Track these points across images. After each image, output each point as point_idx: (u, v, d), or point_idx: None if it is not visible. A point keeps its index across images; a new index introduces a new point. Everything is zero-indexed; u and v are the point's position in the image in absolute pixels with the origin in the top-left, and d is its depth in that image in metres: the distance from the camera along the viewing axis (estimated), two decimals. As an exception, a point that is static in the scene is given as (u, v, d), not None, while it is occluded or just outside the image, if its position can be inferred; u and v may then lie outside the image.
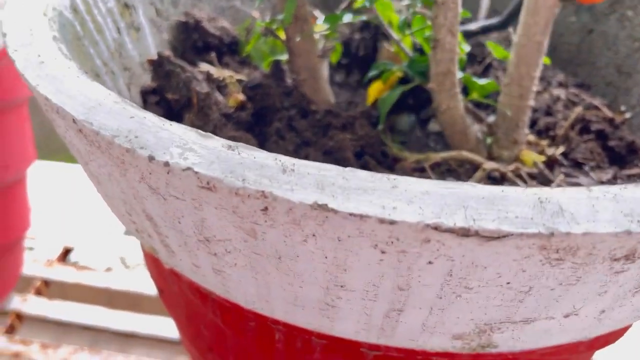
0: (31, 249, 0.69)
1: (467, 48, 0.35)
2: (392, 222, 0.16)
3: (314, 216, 0.16)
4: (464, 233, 0.16)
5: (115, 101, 0.20)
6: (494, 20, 0.43)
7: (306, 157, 0.35)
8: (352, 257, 0.18)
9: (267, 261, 0.20)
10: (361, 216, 0.16)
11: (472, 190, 0.17)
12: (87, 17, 0.32)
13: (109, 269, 0.69)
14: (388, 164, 0.35)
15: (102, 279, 0.64)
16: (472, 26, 0.44)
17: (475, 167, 0.33)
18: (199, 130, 0.19)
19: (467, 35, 0.43)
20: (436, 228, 0.16)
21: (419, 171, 0.32)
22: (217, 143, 0.18)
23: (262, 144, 0.36)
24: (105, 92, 0.21)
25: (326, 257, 0.18)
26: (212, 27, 0.44)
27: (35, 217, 0.72)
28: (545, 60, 0.34)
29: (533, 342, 0.22)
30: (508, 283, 0.18)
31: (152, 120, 0.19)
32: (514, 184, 0.32)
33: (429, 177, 0.31)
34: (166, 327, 0.61)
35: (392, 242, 0.17)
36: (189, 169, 0.17)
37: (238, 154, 0.18)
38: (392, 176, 0.17)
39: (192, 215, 0.19)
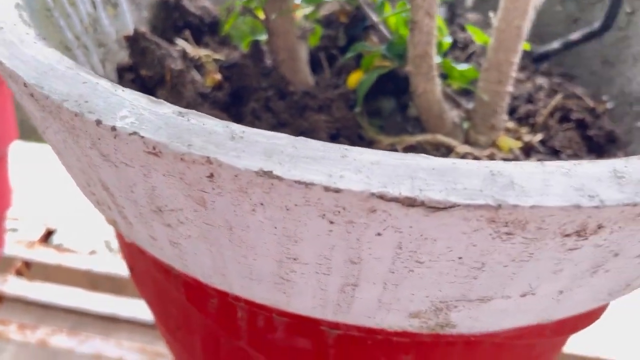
0: (14, 230, 0.69)
1: (449, 38, 0.35)
2: (337, 190, 0.16)
3: (260, 183, 0.16)
4: (410, 203, 0.15)
5: (69, 66, 0.20)
6: (594, 27, 0.39)
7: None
8: (301, 227, 0.17)
9: (219, 232, 0.19)
10: (306, 184, 0.16)
11: (424, 161, 0.16)
12: (60, -11, 0.32)
13: (92, 252, 0.68)
14: (362, 147, 0.34)
15: (85, 262, 0.64)
16: (574, 36, 0.40)
17: (450, 150, 0.33)
18: (151, 97, 0.18)
19: (570, 45, 0.40)
20: (381, 197, 0.15)
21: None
22: (167, 109, 0.18)
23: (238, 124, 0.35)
24: (60, 57, 0.20)
25: (276, 228, 0.18)
26: (192, 6, 0.43)
27: (18, 198, 0.71)
28: (525, 45, 0.34)
29: (493, 323, 0.22)
30: (460, 258, 0.18)
31: (104, 86, 0.19)
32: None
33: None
34: (148, 311, 0.61)
35: (339, 212, 0.16)
36: (135, 133, 0.17)
37: (187, 120, 0.17)
38: (344, 146, 0.17)
39: (143, 183, 0.19)
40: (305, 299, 0.21)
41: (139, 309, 0.62)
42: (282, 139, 0.17)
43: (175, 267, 0.24)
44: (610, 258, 0.18)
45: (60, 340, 0.55)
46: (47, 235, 0.68)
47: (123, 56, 0.38)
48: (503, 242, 0.17)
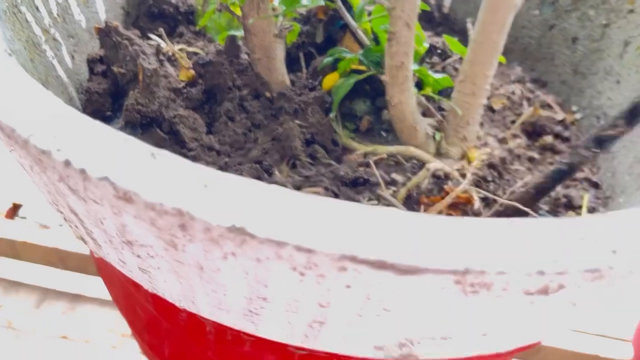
0: (-23, 203, 0.67)
1: (426, 44, 0.35)
2: (309, 251, 0.16)
3: (232, 237, 0.16)
4: (380, 266, 0.16)
5: (38, 92, 0.19)
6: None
7: (255, 141, 0.34)
8: (272, 275, 0.17)
9: (189, 269, 0.19)
10: (278, 242, 0.16)
11: (393, 219, 0.17)
12: (27, -20, 0.31)
13: (60, 226, 0.67)
14: (337, 154, 0.34)
15: (53, 239, 0.63)
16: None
17: (422, 163, 0.33)
18: (122, 134, 0.18)
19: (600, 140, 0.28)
20: (352, 259, 0.16)
21: (365, 166, 0.32)
22: (139, 149, 0.18)
23: (211, 124, 0.35)
24: (27, 80, 0.20)
25: (247, 273, 0.18)
26: (167, -7, 0.42)
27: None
28: (500, 59, 0.34)
29: (452, 353, 0.23)
30: (426, 308, 0.18)
31: (74, 119, 0.18)
32: (457, 183, 0.32)
33: (372, 173, 0.31)
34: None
35: (310, 267, 0.16)
36: (105, 178, 0.17)
37: (159, 164, 0.17)
38: (315, 197, 0.17)
39: (113, 219, 0.19)
40: (273, 329, 0.22)
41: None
42: (254, 187, 0.17)
43: (144, 286, 0.24)
44: (569, 307, 0.19)
45: (26, 320, 0.55)
46: (14, 210, 0.67)
47: (93, 46, 0.37)
48: (468, 297, 0.17)
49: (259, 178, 0.30)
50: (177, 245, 0.18)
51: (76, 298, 0.63)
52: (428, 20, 0.52)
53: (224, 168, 0.31)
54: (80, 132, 0.18)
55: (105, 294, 0.62)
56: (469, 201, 0.31)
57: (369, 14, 0.37)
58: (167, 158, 0.17)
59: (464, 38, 0.39)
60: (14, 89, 0.19)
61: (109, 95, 0.35)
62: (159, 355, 0.34)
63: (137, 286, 0.27)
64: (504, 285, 0.16)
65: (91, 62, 0.36)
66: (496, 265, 0.16)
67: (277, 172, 0.31)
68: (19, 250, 0.68)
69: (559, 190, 0.34)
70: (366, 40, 0.36)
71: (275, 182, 0.29)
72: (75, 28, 0.35)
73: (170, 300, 0.24)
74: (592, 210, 0.33)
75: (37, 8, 0.31)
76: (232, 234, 0.16)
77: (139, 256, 0.20)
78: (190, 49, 0.39)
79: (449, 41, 0.37)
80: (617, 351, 0.57)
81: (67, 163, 0.17)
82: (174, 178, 0.17)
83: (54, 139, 0.18)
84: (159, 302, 0.27)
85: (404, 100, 0.33)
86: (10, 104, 0.18)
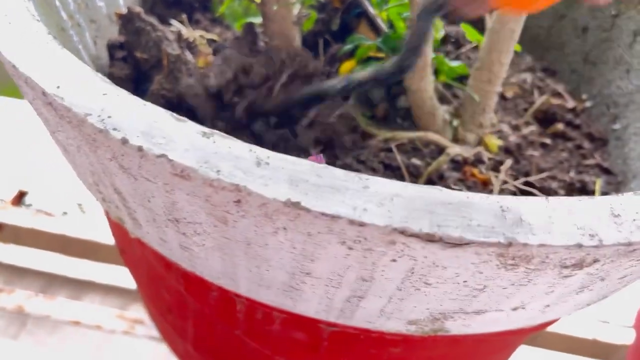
0: (-17, 190, 0.67)
1: (442, 32, 0.36)
2: (361, 224, 0.16)
3: (286, 212, 0.17)
4: (429, 239, 0.16)
5: (88, 74, 0.20)
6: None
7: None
8: (320, 250, 0.18)
9: (235, 245, 0.20)
10: (332, 216, 0.16)
11: (439, 195, 0.17)
12: (54, -35, 0.31)
13: (64, 214, 0.68)
14: (356, 141, 0.35)
15: (58, 225, 0.63)
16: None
17: (440, 148, 0.34)
18: (174, 114, 0.19)
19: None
20: (402, 232, 0.16)
21: (387, 150, 0.33)
22: (191, 129, 0.18)
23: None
24: (77, 62, 0.20)
25: (294, 248, 0.19)
26: (184, -20, 0.42)
27: (-12, 158, 0.69)
28: (516, 47, 0.35)
29: (482, 328, 0.24)
30: (465, 281, 0.19)
31: (126, 99, 0.19)
32: (474, 167, 0.33)
33: (394, 158, 0.32)
34: (120, 275, 0.61)
35: (359, 241, 0.17)
36: (163, 155, 0.17)
37: (213, 142, 0.18)
38: (364, 176, 0.18)
39: (163, 197, 0.19)
40: (311, 305, 0.22)
41: (110, 273, 0.62)
42: (304, 166, 0.18)
43: (181, 265, 0.25)
44: (597, 282, 0.20)
45: (38, 303, 0.55)
46: (20, 197, 0.67)
47: (113, 31, 0.38)
48: (507, 270, 0.18)
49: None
50: (228, 221, 0.19)
51: (81, 284, 0.64)
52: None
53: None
54: (133, 111, 0.18)
55: (110, 281, 0.62)
56: (486, 183, 0.32)
57: (386, 1, 0.37)
58: (218, 136, 0.18)
59: (479, 27, 0.40)
60: (65, 71, 0.20)
61: (131, 81, 0.36)
62: (182, 336, 0.35)
63: (168, 266, 0.28)
64: (543, 258, 0.17)
65: (111, 48, 0.36)
66: (538, 238, 0.17)
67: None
68: (23, 237, 0.68)
69: (573, 175, 0.35)
70: (384, 28, 0.37)
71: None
72: (97, 13, 0.36)
73: (208, 278, 0.24)
74: (605, 194, 0.34)
75: (63, -7, 0.31)
76: (287, 208, 0.17)
77: (184, 234, 0.21)
78: (208, 36, 0.39)
79: (466, 29, 0.37)
80: (615, 336, 0.58)
81: (124, 141, 0.18)
82: (227, 155, 0.17)
83: (110, 119, 0.18)
84: (190, 281, 0.27)
85: (423, 87, 0.34)
86: (63, 85, 0.19)
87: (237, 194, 0.17)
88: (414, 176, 0.32)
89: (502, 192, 0.33)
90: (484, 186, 0.32)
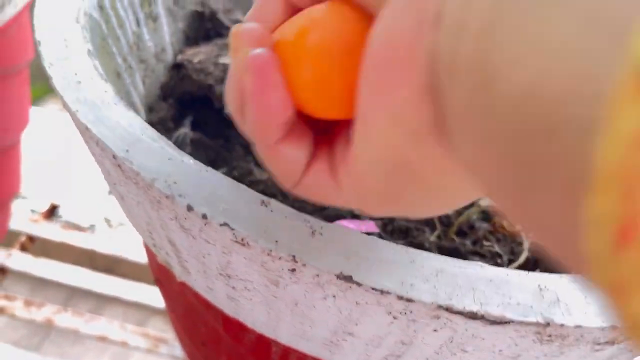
0: (21, 200, 0.69)
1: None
2: (409, 300, 0.18)
3: (338, 284, 0.18)
4: (472, 316, 0.18)
5: (153, 138, 0.21)
6: None
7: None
8: (365, 317, 0.19)
9: (283, 304, 0.21)
10: (382, 291, 0.18)
11: (481, 271, 0.19)
12: (111, 12, 0.33)
13: (92, 227, 0.69)
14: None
15: (87, 240, 0.65)
16: None
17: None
18: (232, 181, 0.20)
19: None
20: (447, 309, 0.18)
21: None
22: (251, 196, 0.20)
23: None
24: (143, 125, 0.22)
25: (341, 313, 0.20)
26: (227, 19, 0.44)
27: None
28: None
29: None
30: (500, 350, 0.20)
31: (189, 165, 0.20)
32: (503, 219, 0.34)
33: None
34: (141, 291, 0.63)
35: (405, 313, 0.18)
36: (225, 224, 0.19)
37: (270, 212, 0.19)
38: (410, 249, 0.19)
39: (219, 256, 0.21)
40: (349, 358, 0.24)
41: (131, 289, 0.63)
42: (355, 237, 0.19)
43: (224, 310, 0.26)
44: (625, 353, 0.21)
45: (66, 318, 0.57)
46: (52, 210, 0.69)
47: (159, 70, 0.39)
48: (542, 345, 0.19)
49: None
50: (279, 284, 0.20)
51: (101, 298, 0.66)
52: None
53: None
54: (196, 177, 0.20)
55: (129, 296, 0.64)
56: (515, 236, 0.33)
57: None
58: (276, 205, 0.19)
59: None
60: (133, 134, 0.21)
61: (173, 119, 0.37)
62: (213, 367, 0.36)
63: (208, 306, 0.29)
64: (578, 336, 0.18)
65: (161, 89, 0.38)
66: (575, 319, 0.18)
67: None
68: (51, 250, 0.70)
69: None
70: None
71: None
72: (147, 53, 0.37)
73: (250, 326, 0.26)
74: None
75: (117, 38, 0.33)
76: (339, 280, 0.18)
77: (233, 287, 0.22)
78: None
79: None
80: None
81: (189, 208, 0.19)
82: (284, 225, 0.19)
83: (175, 185, 0.20)
84: (229, 322, 0.29)
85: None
86: (132, 149, 0.21)
87: (292, 263, 0.18)
88: (445, 225, 0.33)
89: (531, 246, 0.34)
90: (513, 239, 0.33)
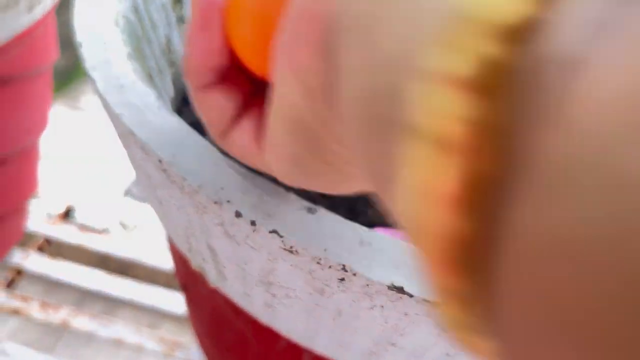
0: (36, 201, 0.69)
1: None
2: (461, 312, 0.17)
3: (389, 294, 0.18)
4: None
5: (199, 143, 0.21)
6: None
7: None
8: (412, 327, 0.19)
9: (325, 312, 0.21)
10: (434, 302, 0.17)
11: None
12: (145, 14, 0.33)
13: (106, 230, 0.70)
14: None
15: (102, 242, 0.65)
16: None
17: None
18: (279, 188, 0.20)
19: None
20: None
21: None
22: (298, 204, 0.19)
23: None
24: (188, 129, 0.22)
25: (387, 323, 0.20)
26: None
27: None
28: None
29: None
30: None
31: (236, 170, 0.20)
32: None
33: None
34: (153, 294, 0.63)
35: (455, 325, 0.18)
36: (274, 231, 0.18)
37: (318, 219, 0.19)
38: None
39: (263, 263, 0.20)
40: (387, 368, 0.23)
41: (144, 291, 0.63)
42: (404, 247, 0.19)
43: (258, 318, 0.26)
44: None
45: (83, 321, 0.57)
46: (67, 212, 0.69)
47: (187, 74, 0.39)
48: None
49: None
50: (325, 292, 0.20)
51: (113, 301, 0.66)
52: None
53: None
54: (243, 184, 0.20)
55: (142, 299, 0.64)
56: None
57: None
58: (323, 213, 0.19)
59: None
60: (178, 139, 0.21)
61: (197, 124, 0.37)
62: (237, 373, 0.36)
63: (238, 312, 0.29)
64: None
65: (188, 92, 0.38)
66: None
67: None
68: (66, 251, 0.70)
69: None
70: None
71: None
72: (176, 56, 0.37)
73: (284, 334, 0.25)
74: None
75: (150, 41, 0.33)
76: (390, 291, 0.18)
77: (273, 295, 0.22)
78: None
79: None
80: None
81: (238, 214, 0.19)
82: (332, 233, 0.19)
83: (223, 190, 0.19)
84: (259, 328, 0.29)
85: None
86: (178, 154, 0.20)
87: (342, 272, 0.18)
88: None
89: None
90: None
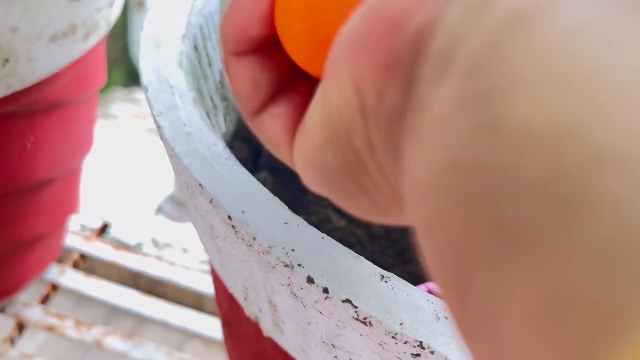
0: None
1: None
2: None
3: (467, 374, 0.17)
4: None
5: (268, 199, 0.21)
6: None
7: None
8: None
9: (391, 380, 0.20)
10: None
11: None
12: (203, 51, 0.33)
13: (139, 245, 0.70)
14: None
15: (134, 259, 0.65)
16: None
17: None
18: (350, 251, 0.19)
19: None
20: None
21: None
22: (371, 270, 0.19)
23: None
24: (256, 184, 0.21)
25: (458, 399, 0.19)
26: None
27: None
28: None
29: None
30: None
31: (305, 230, 0.20)
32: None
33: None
34: (180, 315, 0.62)
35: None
36: (348, 300, 0.18)
37: (392, 288, 0.18)
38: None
39: (330, 327, 0.20)
40: None
41: (173, 312, 0.63)
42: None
43: (312, 371, 0.25)
44: None
45: (115, 341, 0.57)
46: (103, 228, 0.70)
47: (237, 108, 0.39)
48: None
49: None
50: (394, 364, 0.19)
51: (141, 319, 0.66)
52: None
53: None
54: (313, 246, 0.19)
55: (169, 319, 0.64)
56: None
57: None
58: (396, 282, 0.19)
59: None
60: (247, 194, 0.21)
61: (248, 159, 0.37)
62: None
63: (285, 357, 0.28)
64: None
65: (238, 126, 0.38)
66: None
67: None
68: (99, 268, 0.70)
69: None
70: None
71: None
72: (228, 91, 0.37)
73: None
74: None
75: (206, 77, 0.33)
76: (469, 372, 0.17)
77: (335, 357, 0.22)
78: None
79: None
80: None
81: (310, 280, 0.18)
82: (407, 305, 0.18)
83: (294, 252, 0.19)
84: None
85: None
86: (248, 211, 0.20)
87: (419, 349, 0.17)
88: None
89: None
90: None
